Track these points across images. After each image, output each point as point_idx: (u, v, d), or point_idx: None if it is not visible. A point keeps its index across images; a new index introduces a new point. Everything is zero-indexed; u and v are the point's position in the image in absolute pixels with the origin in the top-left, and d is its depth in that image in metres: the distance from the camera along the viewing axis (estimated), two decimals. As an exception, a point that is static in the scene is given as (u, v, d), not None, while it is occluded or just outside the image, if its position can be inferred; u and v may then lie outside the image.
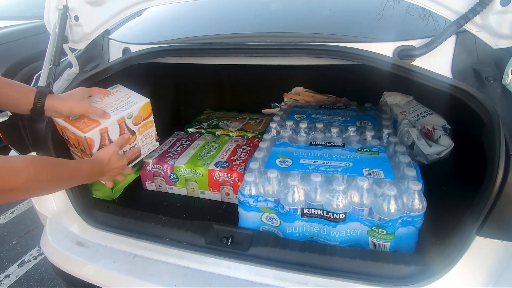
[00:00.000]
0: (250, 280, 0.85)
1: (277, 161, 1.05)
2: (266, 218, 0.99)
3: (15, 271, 1.74)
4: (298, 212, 0.93)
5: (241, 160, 1.24)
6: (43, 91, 0.85)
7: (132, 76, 1.45)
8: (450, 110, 1.27)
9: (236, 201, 1.06)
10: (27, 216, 2.16)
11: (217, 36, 1.19)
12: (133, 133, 1.05)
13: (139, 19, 1.49)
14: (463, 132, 1.20)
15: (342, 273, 0.81)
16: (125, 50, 1.14)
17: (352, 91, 1.65)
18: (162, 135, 1.51)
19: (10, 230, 2.05)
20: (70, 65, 1.15)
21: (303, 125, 1.28)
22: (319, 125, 1.27)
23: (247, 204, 0.98)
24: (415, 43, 0.87)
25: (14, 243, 1.94)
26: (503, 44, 0.79)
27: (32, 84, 1.07)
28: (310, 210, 0.92)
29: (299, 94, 1.72)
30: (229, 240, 0.92)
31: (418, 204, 0.86)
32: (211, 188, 1.23)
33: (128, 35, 1.30)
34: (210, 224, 0.97)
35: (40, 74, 1.06)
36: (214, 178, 1.20)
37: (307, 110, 1.48)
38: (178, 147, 1.38)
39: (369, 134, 1.20)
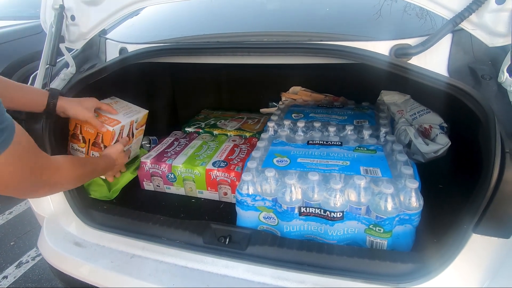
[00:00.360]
0: (248, 279, 0.86)
1: (274, 160, 1.05)
2: (264, 217, 0.99)
3: (13, 272, 1.73)
4: (296, 211, 0.93)
5: (239, 160, 1.24)
6: (55, 93, 0.97)
7: (129, 76, 1.45)
8: (447, 109, 1.27)
9: (234, 201, 1.06)
10: (25, 217, 2.15)
11: (214, 35, 1.19)
12: (133, 135, 1.23)
13: (136, 19, 1.49)
14: (460, 131, 1.21)
15: (340, 272, 0.82)
16: (122, 50, 1.13)
17: (350, 90, 1.65)
18: (160, 134, 1.52)
19: (8, 231, 2.04)
20: (66, 65, 1.14)
21: (300, 124, 1.28)
22: (317, 124, 1.28)
23: (245, 203, 0.98)
24: (411, 41, 0.87)
25: (11, 244, 1.93)
26: (498, 42, 0.80)
27: (28, 84, 1.07)
28: (308, 209, 0.92)
29: (297, 93, 1.72)
30: (227, 240, 0.92)
31: (415, 202, 0.86)
32: (209, 188, 1.23)
33: (125, 34, 1.29)
34: (208, 224, 0.97)
35: (36, 74, 1.06)
36: (212, 177, 1.20)
37: (304, 109, 1.48)
38: (175, 147, 1.38)
39: (366, 133, 1.20)
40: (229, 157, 1.26)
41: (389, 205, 0.85)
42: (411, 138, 1.24)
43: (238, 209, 1.01)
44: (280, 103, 1.68)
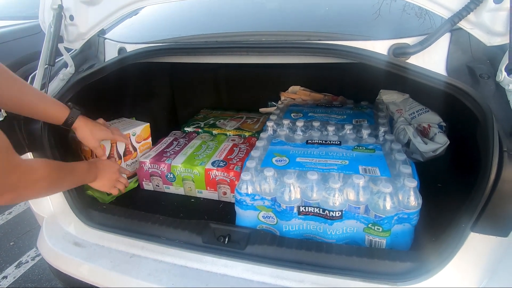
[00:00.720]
0: (247, 279, 0.86)
1: (273, 160, 1.05)
2: (263, 216, 0.99)
3: (12, 272, 1.73)
4: (295, 210, 0.93)
5: (238, 159, 1.24)
6: (76, 114, 0.98)
7: (128, 76, 1.45)
8: (445, 108, 1.27)
9: (233, 200, 1.06)
10: (24, 217, 2.15)
11: (213, 35, 1.19)
12: (135, 149, 1.30)
13: (135, 19, 1.49)
14: (458, 130, 1.21)
15: (339, 271, 0.82)
16: (121, 50, 1.13)
17: (349, 90, 1.65)
18: (159, 134, 1.52)
19: (7, 231, 2.04)
20: (65, 65, 1.14)
21: (299, 123, 1.28)
22: (316, 124, 1.28)
23: (244, 203, 0.98)
24: (409, 41, 0.88)
25: (11, 244, 1.94)
26: (496, 41, 0.80)
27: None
28: (307, 208, 0.92)
29: (296, 92, 1.72)
30: (226, 239, 0.92)
31: (413, 201, 0.86)
32: (208, 187, 1.23)
33: (124, 34, 1.29)
34: (207, 223, 0.97)
35: (35, 74, 1.06)
36: (211, 177, 1.20)
37: (303, 108, 1.48)
38: (175, 147, 1.38)
39: (365, 132, 1.20)
40: (228, 157, 1.26)
41: (388, 204, 0.85)
42: (410, 137, 1.24)
43: (237, 208, 1.02)
44: (279, 102, 1.68)
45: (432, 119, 1.30)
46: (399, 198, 0.87)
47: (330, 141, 1.14)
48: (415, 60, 0.87)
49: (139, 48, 1.07)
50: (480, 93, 0.80)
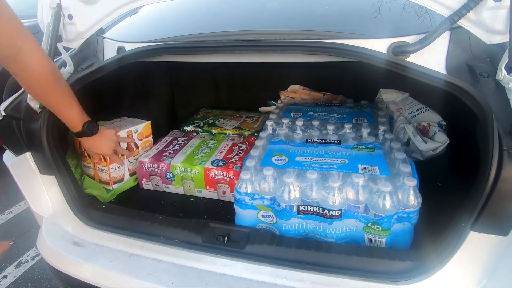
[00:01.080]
0: (247, 278, 0.85)
1: (273, 159, 1.05)
2: (262, 215, 0.99)
3: (12, 272, 1.73)
4: (294, 209, 0.93)
5: (238, 158, 1.24)
6: (94, 128, 1.05)
7: (127, 75, 1.45)
8: (445, 107, 1.27)
9: (232, 199, 1.06)
10: (24, 217, 2.15)
11: (212, 34, 1.19)
12: (137, 146, 1.33)
13: (134, 18, 1.48)
14: (458, 128, 1.21)
15: (338, 270, 0.81)
16: (120, 49, 1.13)
17: (348, 89, 1.65)
18: (159, 134, 1.51)
19: (7, 230, 2.04)
20: (64, 64, 1.14)
21: (299, 122, 1.28)
22: (315, 123, 1.28)
23: (243, 202, 0.98)
24: (409, 39, 0.87)
25: (11, 243, 1.94)
26: (496, 39, 0.80)
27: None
28: (306, 207, 0.92)
29: (295, 91, 1.72)
30: (225, 238, 0.92)
31: (413, 200, 0.86)
32: (207, 187, 1.23)
33: (123, 34, 1.29)
34: (207, 223, 0.97)
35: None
36: (211, 176, 1.20)
37: (303, 107, 1.48)
38: (174, 146, 1.37)
39: (365, 131, 1.20)
40: (228, 156, 1.26)
41: (388, 203, 0.85)
42: (410, 136, 1.24)
43: (236, 207, 1.01)
44: (279, 101, 1.67)
45: (432, 118, 1.29)
46: (399, 197, 0.87)
47: (329, 140, 1.14)
48: (414, 59, 0.86)
49: (138, 47, 1.07)
50: (480, 91, 0.79)
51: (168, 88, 1.85)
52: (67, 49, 1.15)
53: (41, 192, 1.10)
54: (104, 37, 1.21)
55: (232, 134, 1.51)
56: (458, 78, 0.81)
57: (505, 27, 0.77)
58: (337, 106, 1.49)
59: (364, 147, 1.08)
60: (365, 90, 1.56)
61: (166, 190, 1.30)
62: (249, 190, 0.97)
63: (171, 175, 1.25)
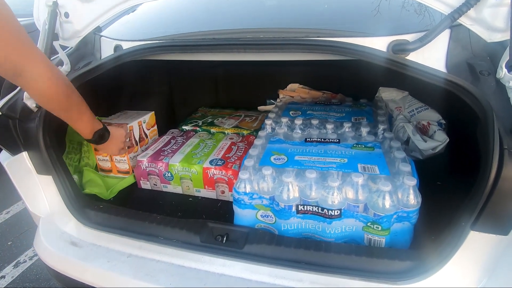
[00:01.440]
0: (246, 278, 0.85)
1: (272, 158, 1.04)
2: (261, 215, 0.98)
3: (10, 272, 1.73)
4: (293, 209, 0.92)
5: (236, 158, 1.23)
6: (104, 136, 1.06)
7: (125, 74, 1.44)
8: (445, 105, 1.26)
9: (231, 199, 1.05)
10: (22, 217, 2.14)
11: (210, 32, 1.18)
12: (146, 136, 1.43)
13: (131, 16, 1.47)
14: (458, 127, 1.20)
15: (338, 270, 0.81)
16: (117, 47, 1.12)
17: (348, 87, 1.64)
18: (157, 133, 1.51)
19: (5, 230, 2.04)
20: (61, 63, 1.13)
21: (298, 121, 1.27)
22: (314, 122, 1.27)
23: (242, 202, 0.97)
24: (409, 37, 0.86)
25: (9, 243, 1.93)
26: (497, 37, 0.79)
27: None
28: (305, 206, 0.91)
29: (294, 90, 1.71)
30: (224, 238, 0.91)
31: (413, 199, 0.85)
32: (206, 186, 1.22)
33: (120, 32, 1.28)
34: (205, 222, 0.96)
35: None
36: (209, 176, 1.19)
37: (302, 106, 1.47)
38: (172, 145, 1.37)
39: (364, 130, 1.20)
40: (227, 155, 1.25)
41: (387, 203, 0.84)
42: (409, 135, 1.23)
43: (235, 207, 1.01)
44: (278, 100, 1.67)
45: (431, 116, 1.29)
46: (399, 196, 0.86)
47: (328, 139, 1.13)
48: (414, 57, 0.86)
49: (135, 46, 1.06)
50: (480, 90, 0.79)
51: (167, 87, 1.84)
52: (64, 47, 1.13)
53: (38, 192, 1.09)
54: (101, 36, 1.20)
55: (231, 133, 1.50)
56: (458, 77, 0.81)
57: (505, 25, 0.76)
58: (336, 105, 1.48)
59: (363, 146, 1.08)
60: (364, 88, 1.55)
61: (164, 189, 1.29)
62: (248, 189, 0.96)
63: (169, 175, 1.24)
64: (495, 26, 0.78)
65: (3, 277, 1.70)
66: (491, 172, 0.70)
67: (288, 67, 1.64)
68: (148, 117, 1.42)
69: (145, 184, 1.31)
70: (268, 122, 1.30)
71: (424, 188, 0.90)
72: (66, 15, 1.08)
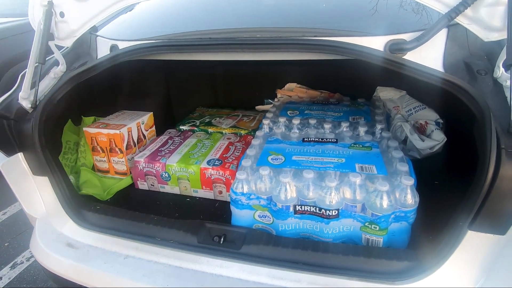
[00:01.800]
0: (243, 279, 0.85)
1: (269, 158, 1.04)
2: (259, 215, 0.98)
3: (7, 273, 1.72)
4: (291, 209, 0.92)
5: (234, 158, 1.23)
6: None
7: (122, 74, 1.43)
8: (442, 104, 1.26)
9: (229, 199, 1.05)
10: (19, 218, 2.13)
11: (207, 31, 1.17)
12: (144, 137, 1.42)
13: (128, 16, 1.46)
14: (455, 126, 1.20)
15: (336, 270, 0.81)
16: (113, 47, 1.11)
17: (345, 87, 1.64)
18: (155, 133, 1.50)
19: (2, 231, 2.02)
20: (56, 63, 1.12)
21: (296, 121, 1.27)
22: (312, 121, 1.27)
23: (239, 202, 0.97)
24: (406, 36, 0.86)
25: (6, 245, 1.91)
26: (494, 37, 0.79)
27: (17, 84, 1.05)
28: (303, 207, 0.91)
29: (292, 90, 1.71)
30: (222, 239, 0.91)
31: (410, 199, 0.85)
32: (203, 187, 1.22)
33: (116, 32, 1.27)
34: (202, 223, 0.96)
35: (25, 73, 1.04)
36: (207, 176, 1.18)
37: (300, 106, 1.47)
38: (170, 145, 1.36)
39: (362, 130, 1.19)
40: (224, 155, 1.25)
41: (385, 203, 0.84)
42: (407, 134, 1.23)
43: (232, 208, 1.00)
44: (276, 100, 1.66)
45: (429, 116, 1.29)
46: (396, 196, 0.86)
47: (326, 139, 1.13)
48: (412, 56, 0.85)
49: (132, 46, 1.05)
50: (478, 89, 0.79)
51: (164, 86, 1.83)
52: (59, 47, 1.12)
53: (34, 193, 1.09)
54: (97, 35, 1.19)
55: (229, 133, 1.50)
56: (455, 76, 0.80)
57: (502, 24, 0.76)
58: (334, 105, 1.48)
59: (361, 145, 1.07)
60: (362, 88, 1.55)
61: (161, 190, 1.29)
62: (245, 190, 0.95)
63: (166, 175, 1.24)
64: (492, 25, 0.78)
65: (0, 278, 1.69)
66: (488, 171, 0.69)
67: (285, 66, 1.63)
68: (147, 118, 1.42)
69: (142, 185, 1.31)
70: (265, 121, 1.30)
71: (421, 187, 0.90)
72: (62, 14, 1.07)
